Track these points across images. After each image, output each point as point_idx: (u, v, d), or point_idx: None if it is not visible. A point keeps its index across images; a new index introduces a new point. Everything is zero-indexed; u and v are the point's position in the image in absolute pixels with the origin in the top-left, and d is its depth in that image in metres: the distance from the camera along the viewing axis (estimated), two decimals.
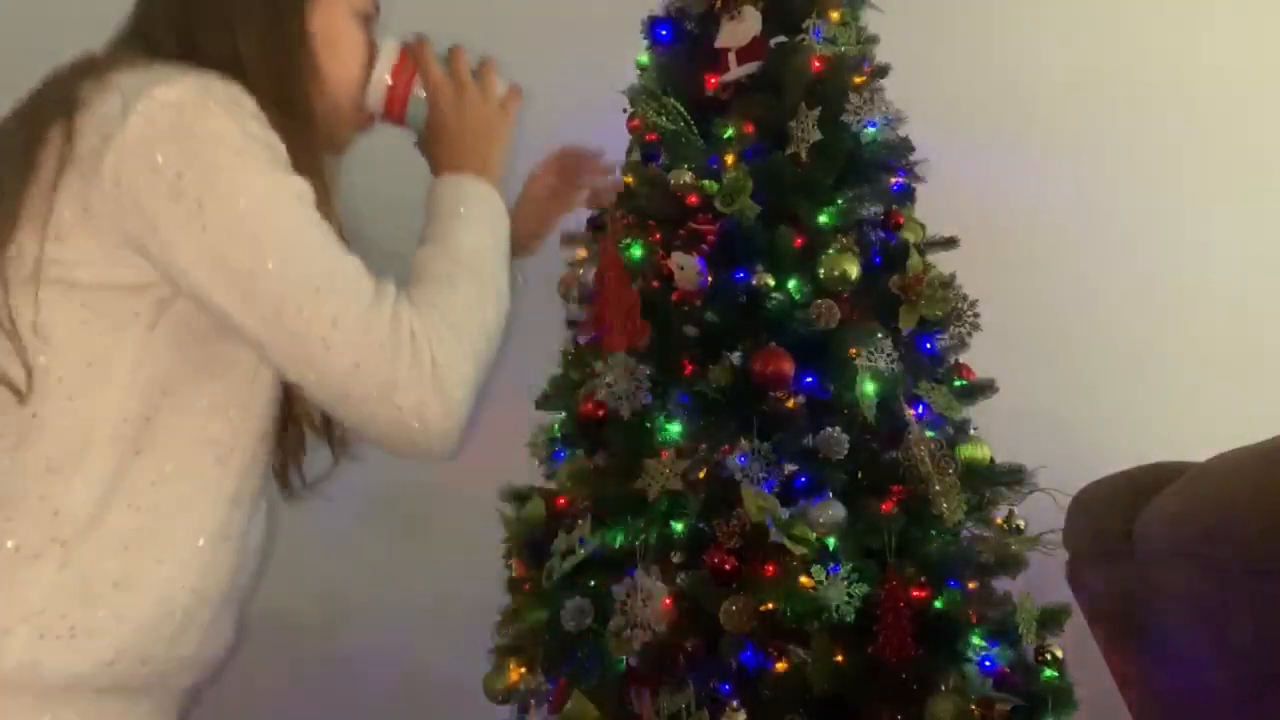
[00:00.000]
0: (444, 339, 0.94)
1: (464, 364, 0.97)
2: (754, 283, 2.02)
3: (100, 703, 0.91)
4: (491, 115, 1.17)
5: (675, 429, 2.02)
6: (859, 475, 2.00)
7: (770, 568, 1.90)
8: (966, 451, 2.03)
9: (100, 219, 0.92)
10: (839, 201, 2.11)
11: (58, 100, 1.01)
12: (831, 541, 1.91)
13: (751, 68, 2.17)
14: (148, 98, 0.93)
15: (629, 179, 2.25)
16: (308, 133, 1.04)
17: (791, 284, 2.04)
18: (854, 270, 2.04)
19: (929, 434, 1.99)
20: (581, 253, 2.28)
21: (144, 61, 1.02)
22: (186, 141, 0.91)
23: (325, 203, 1.00)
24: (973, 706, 1.84)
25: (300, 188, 0.95)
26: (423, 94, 1.20)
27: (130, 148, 0.92)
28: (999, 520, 2.08)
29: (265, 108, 0.98)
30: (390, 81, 1.19)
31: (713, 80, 2.19)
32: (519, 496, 2.24)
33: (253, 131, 0.94)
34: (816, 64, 2.14)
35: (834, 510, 1.90)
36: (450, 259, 1.03)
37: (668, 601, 1.92)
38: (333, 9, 1.12)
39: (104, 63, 1.06)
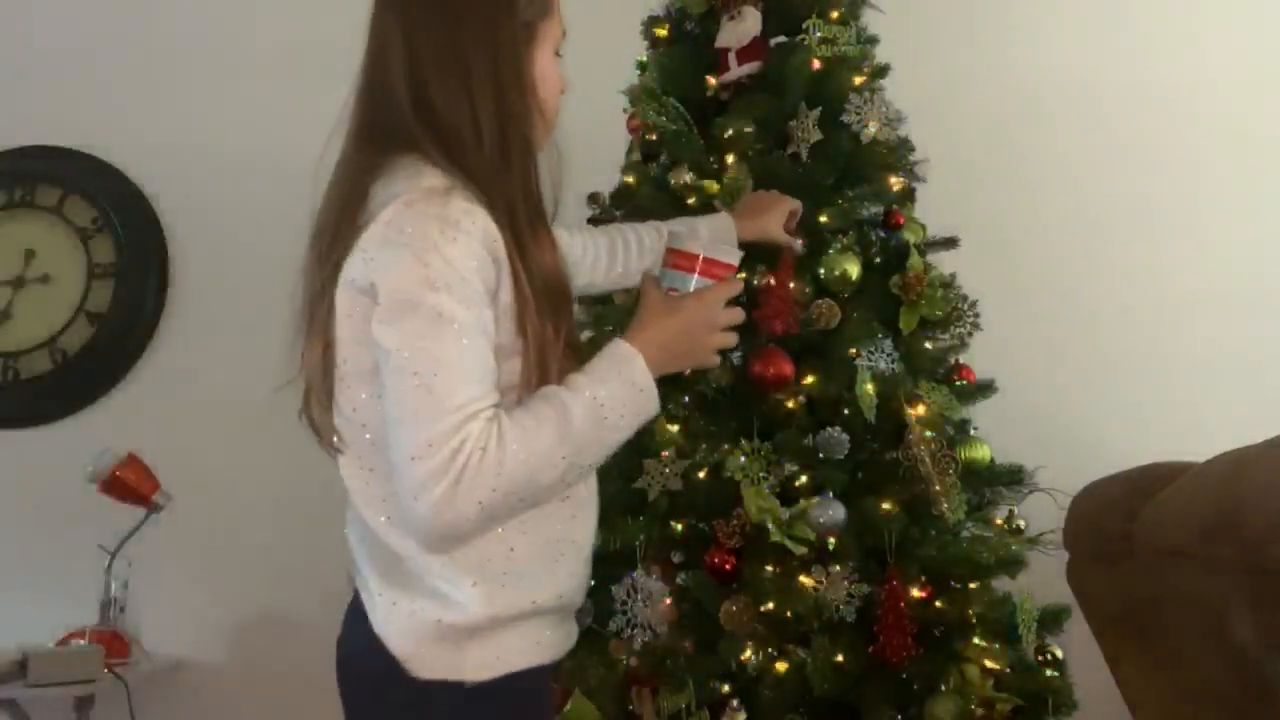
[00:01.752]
0: (483, 482, 1.13)
1: (487, 506, 1.14)
2: (754, 282, 2.02)
3: (556, 615, 1.30)
4: (703, 344, 1.33)
5: (675, 429, 2.02)
6: (859, 475, 2.00)
7: (770, 568, 1.90)
8: (966, 451, 2.03)
9: None
10: (839, 201, 2.11)
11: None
12: (831, 541, 1.91)
13: (751, 68, 2.17)
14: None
15: (629, 179, 2.26)
16: (527, 164, 1.26)
17: (791, 284, 2.04)
18: (854, 270, 2.04)
19: (929, 434, 1.99)
20: None
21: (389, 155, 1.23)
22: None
23: (537, 194, 1.26)
24: (973, 706, 1.84)
25: (463, 318, 1.15)
26: (693, 284, 1.34)
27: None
28: (999, 520, 2.08)
29: (493, 156, 1.21)
30: (692, 255, 1.34)
31: (713, 80, 2.20)
32: None
33: (454, 259, 1.15)
34: (816, 64, 2.14)
35: (834, 510, 1.90)
36: (564, 417, 1.18)
37: (668, 601, 1.92)
38: (542, 51, 1.31)
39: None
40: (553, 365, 1.23)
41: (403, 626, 1.22)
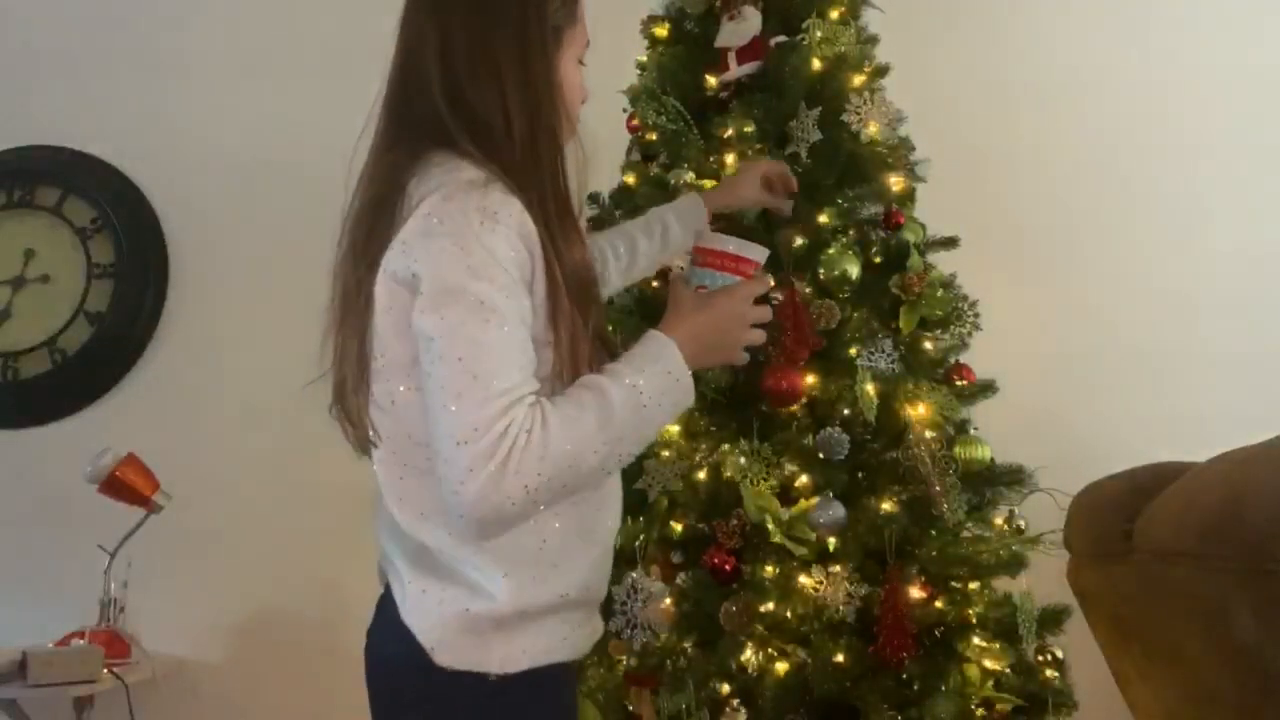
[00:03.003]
0: (528, 467, 1.14)
1: (533, 491, 1.14)
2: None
3: (583, 610, 1.31)
4: (733, 339, 1.34)
5: (675, 429, 2.02)
6: (859, 475, 2.00)
7: (770, 568, 1.90)
8: (966, 451, 2.03)
9: None
10: (839, 201, 2.11)
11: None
12: (831, 542, 1.91)
13: (751, 68, 2.17)
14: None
15: (629, 179, 2.26)
16: (556, 160, 1.28)
17: (798, 298, 2.03)
18: (854, 270, 2.04)
19: (929, 434, 1.99)
20: None
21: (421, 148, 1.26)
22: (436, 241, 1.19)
23: (565, 190, 1.28)
24: (973, 706, 1.84)
25: (503, 306, 1.17)
26: (721, 281, 1.35)
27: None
28: (999, 520, 2.08)
29: (524, 151, 1.25)
30: (719, 252, 1.36)
31: (713, 80, 2.20)
32: None
33: (492, 248, 1.17)
34: (816, 64, 2.14)
35: (834, 510, 1.90)
36: (604, 403, 1.20)
37: (668, 601, 1.92)
38: (566, 57, 1.35)
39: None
40: (583, 357, 1.25)
41: (430, 614, 1.22)
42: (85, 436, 3.06)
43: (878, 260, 2.12)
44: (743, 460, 1.94)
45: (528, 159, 1.26)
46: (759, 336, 1.37)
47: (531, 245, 1.21)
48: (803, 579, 1.89)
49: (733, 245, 1.37)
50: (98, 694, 2.64)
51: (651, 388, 1.23)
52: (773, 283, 2.01)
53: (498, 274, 1.17)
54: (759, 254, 1.38)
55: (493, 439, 1.12)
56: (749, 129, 2.11)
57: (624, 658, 1.97)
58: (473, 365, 1.14)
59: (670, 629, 1.92)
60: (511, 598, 1.22)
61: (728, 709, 1.86)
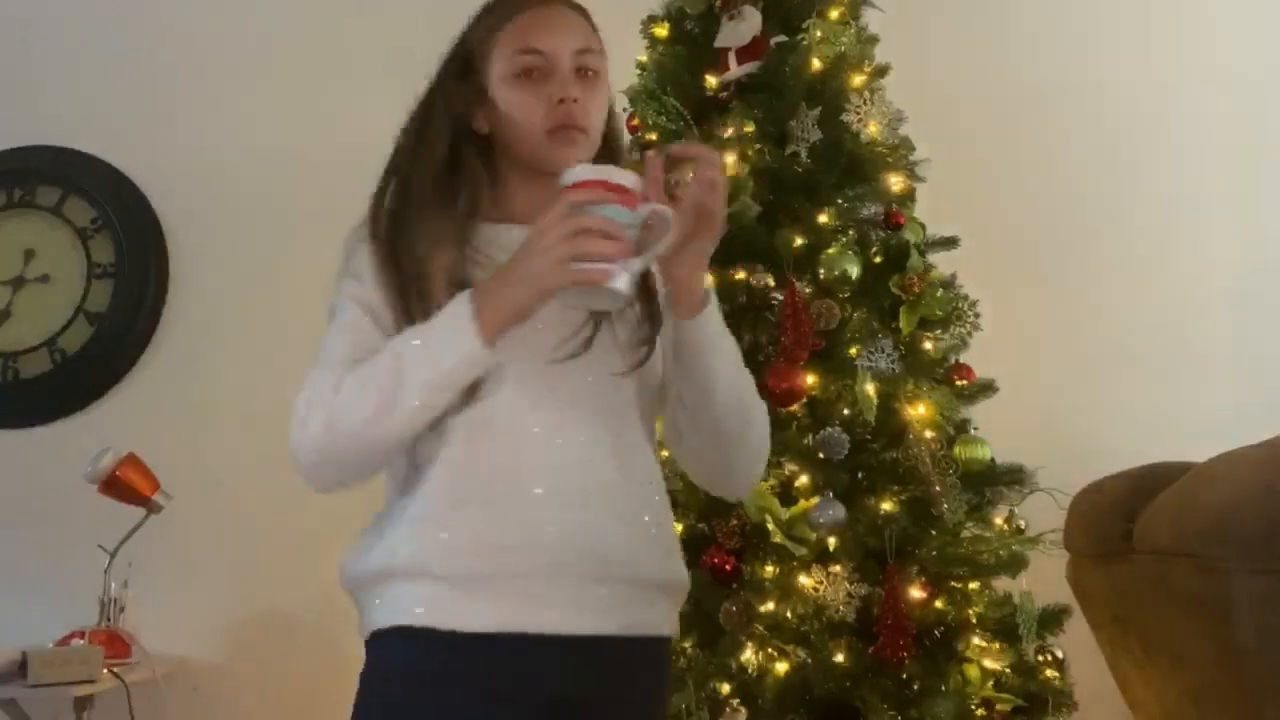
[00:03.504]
0: (314, 414, 1.29)
1: (317, 439, 1.30)
2: (753, 283, 2.02)
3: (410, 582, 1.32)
4: (535, 259, 1.20)
5: None
6: (859, 475, 2.00)
7: (770, 568, 1.90)
8: (966, 451, 2.03)
9: None
10: (839, 201, 2.11)
11: None
12: (831, 542, 1.91)
13: (751, 67, 2.17)
14: None
15: None
16: (412, 170, 1.38)
17: (799, 297, 2.03)
18: (854, 270, 2.04)
19: (929, 434, 1.99)
20: None
21: None
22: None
23: (416, 194, 1.36)
24: (973, 706, 1.84)
25: (342, 311, 1.35)
26: None
27: None
28: (999, 520, 2.08)
29: (437, 188, 1.36)
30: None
31: (713, 80, 2.20)
32: None
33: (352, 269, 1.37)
34: (816, 64, 2.14)
35: (834, 510, 1.90)
36: (380, 355, 1.28)
37: None
38: (497, 78, 1.36)
39: None
40: None
41: None
42: (85, 436, 3.06)
43: (878, 260, 2.12)
44: None
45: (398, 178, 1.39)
46: (578, 246, 1.16)
47: (360, 273, 1.35)
48: (803, 579, 1.89)
49: (585, 174, 1.19)
50: (98, 694, 2.64)
51: (421, 332, 1.26)
52: (785, 313, 1.98)
53: (341, 293, 1.36)
54: (588, 173, 1.19)
55: (303, 397, 1.30)
56: (749, 129, 2.11)
57: None
58: (320, 356, 1.32)
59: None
60: (348, 566, 1.35)
61: (728, 709, 1.86)
